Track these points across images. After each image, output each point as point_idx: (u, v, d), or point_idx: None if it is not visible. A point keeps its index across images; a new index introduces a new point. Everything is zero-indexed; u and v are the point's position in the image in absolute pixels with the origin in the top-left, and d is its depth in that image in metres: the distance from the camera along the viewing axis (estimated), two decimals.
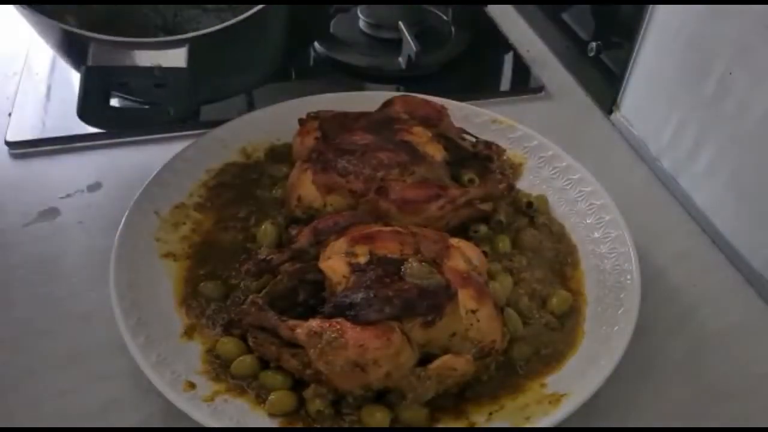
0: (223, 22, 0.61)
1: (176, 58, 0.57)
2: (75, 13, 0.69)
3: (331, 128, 0.62)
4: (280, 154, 0.68)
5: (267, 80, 0.80)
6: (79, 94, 0.56)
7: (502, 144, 0.67)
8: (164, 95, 0.57)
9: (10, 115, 0.74)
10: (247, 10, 0.61)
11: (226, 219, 0.61)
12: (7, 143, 0.71)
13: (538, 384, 0.50)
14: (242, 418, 0.46)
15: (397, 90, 0.80)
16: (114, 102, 0.60)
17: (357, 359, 0.44)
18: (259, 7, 0.61)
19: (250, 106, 0.70)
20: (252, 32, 0.64)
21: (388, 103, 0.66)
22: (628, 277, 0.56)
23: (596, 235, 0.60)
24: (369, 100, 0.67)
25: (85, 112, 0.56)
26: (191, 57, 0.57)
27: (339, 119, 0.63)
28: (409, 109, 0.65)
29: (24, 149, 0.71)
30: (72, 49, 0.62)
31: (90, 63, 0.56)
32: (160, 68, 0.56)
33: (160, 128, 0.74)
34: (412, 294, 0.46)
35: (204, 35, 0.59)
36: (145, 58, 0.57)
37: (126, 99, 0.65)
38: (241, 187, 0.65)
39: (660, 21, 0.69)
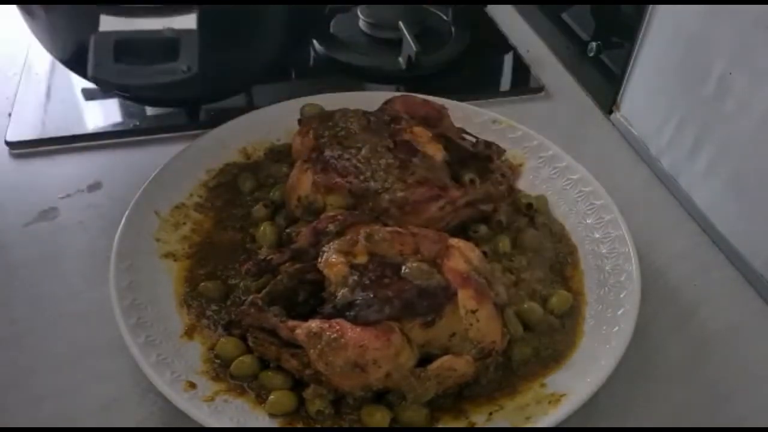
0: None
1: (187, 22, 0.57)
2: None
3: None
4: (280, 154, 0.67)
5: (267, 79, 0.80)
6: (90, 59, 0.56)
7: (502, 144, 0.66)
8: (176, 55, 0.57)
9: (10, 115, 0.74)
10: None
11: (226, 219, 0.61)
12: (7, 143, 0.71)
13: (537, 384, 0.50)
14: (242, 418, 0.46)
15: (397, 90, 0.80)
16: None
17: (357, 360, 0.44)
18: None
19: (250, 106, 0.70)
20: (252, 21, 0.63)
21: (388, 103, 0.66)
22: (628, 277, 0.55)
23: (596, 235, 0.60)
24: (369, 100, 0.67)
25: (97, 74, 0.56)
26: (201, 21, 0.57)
27: None
28: (409, 109, 0.64)
29: (24, 149, 0.71)
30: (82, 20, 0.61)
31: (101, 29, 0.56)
32: (170, 30, 0.56)
33: (161, 129, 0.74)
34: (411, 294, 0.46)
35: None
36: (157, 24, 0.57)
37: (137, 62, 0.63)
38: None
39: (660, 21, 0.69)
